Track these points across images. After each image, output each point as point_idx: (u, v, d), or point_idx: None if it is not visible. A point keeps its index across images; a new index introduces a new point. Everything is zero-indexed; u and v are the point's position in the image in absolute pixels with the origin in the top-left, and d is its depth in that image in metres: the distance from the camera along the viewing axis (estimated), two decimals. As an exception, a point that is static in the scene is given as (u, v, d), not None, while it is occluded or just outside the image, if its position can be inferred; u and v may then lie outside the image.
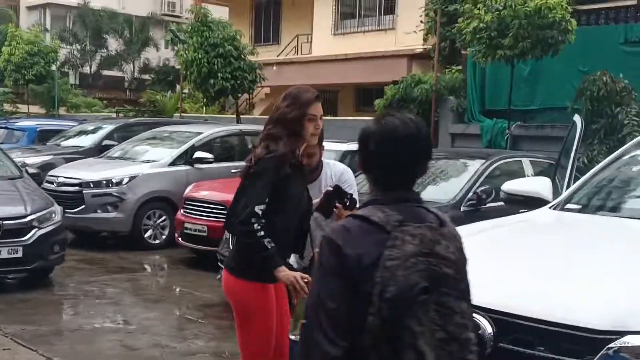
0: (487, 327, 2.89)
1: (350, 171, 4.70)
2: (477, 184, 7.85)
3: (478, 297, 2.98)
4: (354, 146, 11.05)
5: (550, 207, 4.31)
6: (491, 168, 8.22)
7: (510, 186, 4.92)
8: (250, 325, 3.60)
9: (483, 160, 8.29)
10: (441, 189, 8.08)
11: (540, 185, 4.63)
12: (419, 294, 1.92)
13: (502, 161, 8.50)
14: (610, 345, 2.63)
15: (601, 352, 2.61)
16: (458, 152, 10.08)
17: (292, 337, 3.42)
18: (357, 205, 3.85)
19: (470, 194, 7.72)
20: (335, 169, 4.61)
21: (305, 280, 3.45)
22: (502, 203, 7.69)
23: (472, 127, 14.39)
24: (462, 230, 4.14)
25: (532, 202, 4.52)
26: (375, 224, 2.05)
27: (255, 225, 3.50)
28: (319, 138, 4.03)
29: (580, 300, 2.87)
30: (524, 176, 8.30)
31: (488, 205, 7.64)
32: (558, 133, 12.52)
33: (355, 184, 4.80)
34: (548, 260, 3.35)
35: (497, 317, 2.89)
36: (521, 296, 2.96)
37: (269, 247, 3.50)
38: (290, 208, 3.67)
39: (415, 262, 1.95)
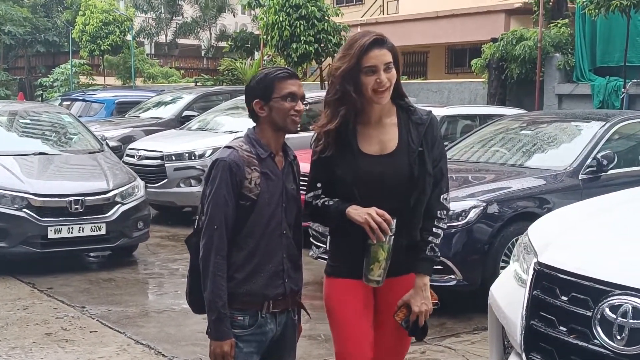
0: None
1: None
2: (597, 149, 7.39)
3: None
4: (452, 110, 10.75)
5: None
6: (612, 131, 7.71)
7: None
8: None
9: (602, 122, 7.77)
10: (555, 155, 7.67)
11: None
12: None
13: (624, 122, 7.95)
14: None
15: None
16: (572, 114, 9.53)
17: (370, 279, 3.03)
18: None
19: (590, 159, 7.26)
20: None
21: (383, 217, 2.98)
22: (624, 169, 7.36)
23: (582, 86, 13.78)
24: (605, 201, 3.83)
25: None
26: None
27: (313, 201, 3.18)
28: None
29: None
30: (649, 139, 7.80)
31: (610, 172, 7.21)
32: (680, 91, 11.86)
33: None
34: None
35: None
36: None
37: (329, 203, 3.12)
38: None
39: None
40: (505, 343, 3.40)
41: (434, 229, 3.14)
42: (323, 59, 18.73)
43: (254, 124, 3.11)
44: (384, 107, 3.13)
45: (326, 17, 17.42)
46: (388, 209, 3.03)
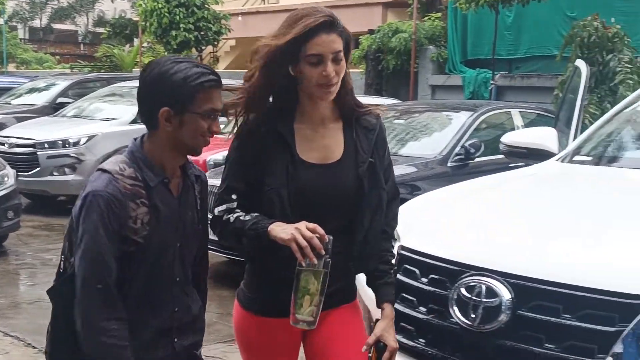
0: (505, 294, 2.72)
1: None
2: (465, 138, 7.69)
3: (494, 260, 2.86)
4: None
5: (557, 160, 4.14)
6: (479, 120, 8.05)
7: (512, 138, 4.72)
8: None
9: (470, 112, 8.11)
10: (426, 144, 7.93)
11: (545, 137, 4.44)
12: None
13: (490, 112, 8.32)
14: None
15: (638, 319, 2.44)
16: (442, 104, 9.86)
17: (299, 318, 2.37)
18: None
19: (458, 148, 7.55)
20: None
21: (315, 233, 2.31)
22: (490, 157, 7.68)
23: (454, 77, 14.24)
24: (466, 187, 3.99)
25: (536, 155, 4.34)
26: None
27: (225, 215, 2.49)
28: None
29: (614, 262, 2.70)
30: (514, 128, 8.16)
31: (477, 160, 7.52)
32: (544, 83, 12.44)
33: None
34: (572, 219, 3.17)
35: (515, 282, 2.71)
36: (544, 259, 2.78)
37: (245, 218, 2.44)
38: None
39: None
40: (372, 325, 3.49)
41: (392, 249, 2.67)
42: (203, 47, 18.57)
43: (142, 134, 2.39)
44: (327, 105, 2.52)
45: (206, 5, 17.30)
46: (330, 230, 2.36)
